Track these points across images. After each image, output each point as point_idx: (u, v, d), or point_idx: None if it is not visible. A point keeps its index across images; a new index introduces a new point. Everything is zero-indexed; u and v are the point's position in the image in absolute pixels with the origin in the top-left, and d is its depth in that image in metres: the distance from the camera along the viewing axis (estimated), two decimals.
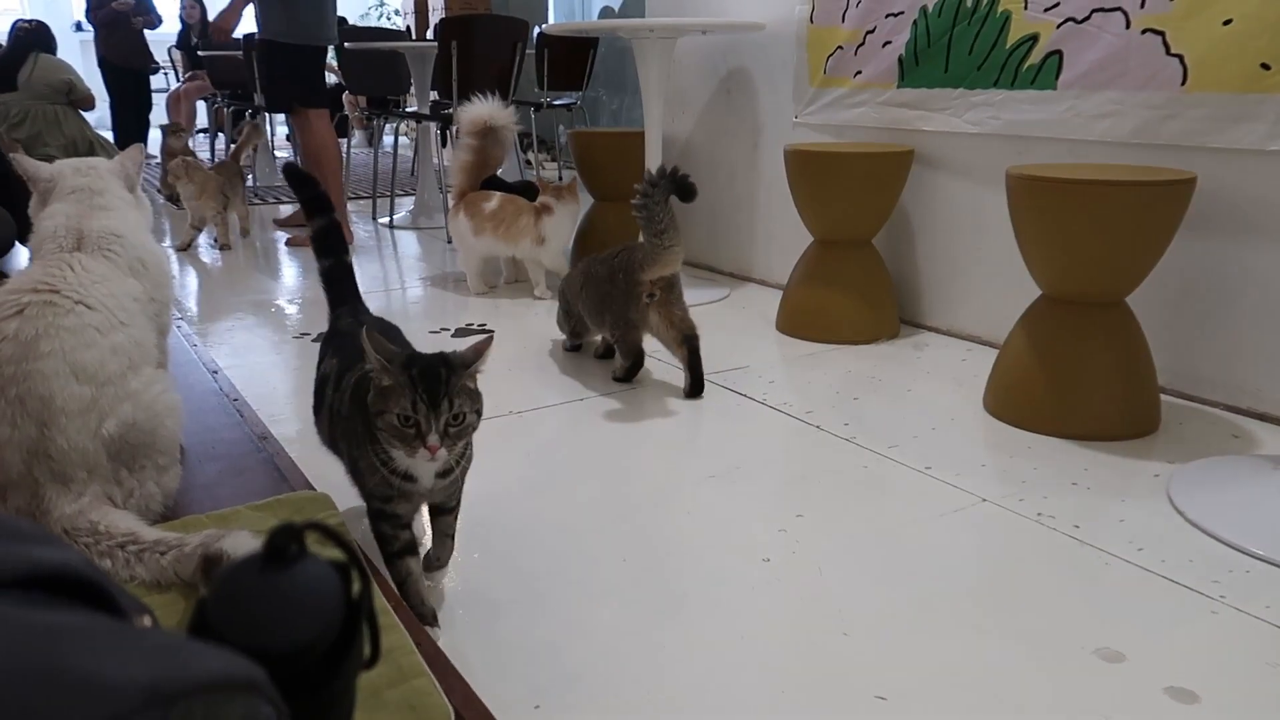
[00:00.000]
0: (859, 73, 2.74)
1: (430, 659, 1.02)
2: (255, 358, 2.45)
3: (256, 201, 5.33)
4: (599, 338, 2.42)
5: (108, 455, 1.29)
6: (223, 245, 4.04)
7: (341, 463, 1.33)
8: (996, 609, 1.31)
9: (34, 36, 5.97)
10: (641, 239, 2.12)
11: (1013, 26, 2.29)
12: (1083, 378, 1.90)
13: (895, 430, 1.93)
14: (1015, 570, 1.41)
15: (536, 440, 1.89)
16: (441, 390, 1.10)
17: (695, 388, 2.16)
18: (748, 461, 1.82)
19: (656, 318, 2.15)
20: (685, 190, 2.12)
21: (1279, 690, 1.12)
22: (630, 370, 2.23)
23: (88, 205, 1.50)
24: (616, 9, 6.72)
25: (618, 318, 2.17)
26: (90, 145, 5.84)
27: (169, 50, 8.33)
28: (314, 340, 2.60)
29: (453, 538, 1.36)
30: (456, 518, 1.35)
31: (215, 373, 2.18)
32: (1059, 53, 2.21)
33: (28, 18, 6.50)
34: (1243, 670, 1.17)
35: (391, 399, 1.10)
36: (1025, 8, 2.26)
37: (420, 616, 1.19)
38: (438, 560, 1.36)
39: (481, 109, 3.02)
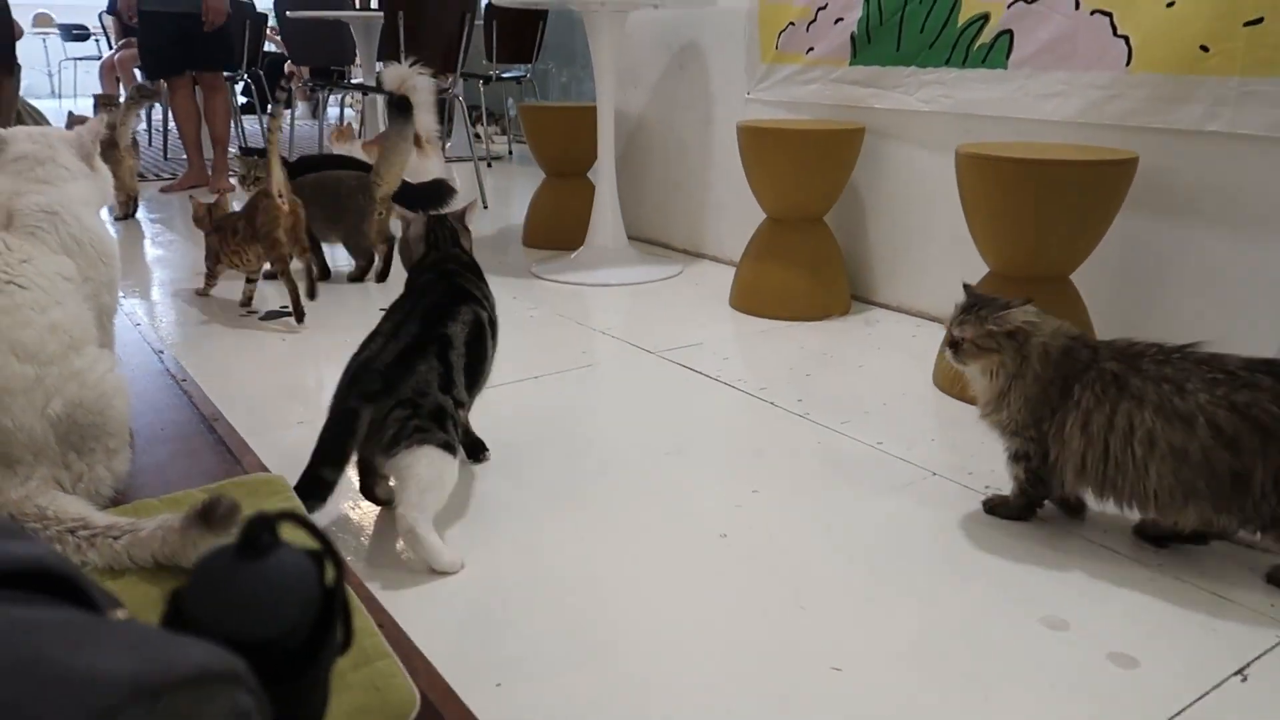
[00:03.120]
0: (811, 49, 2.75)
1: (393, 640, 1.02)
2: (201, 337, 2.40)
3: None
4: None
5: (56, 437, 1.26)
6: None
7: None
8: (947, 580, 1.34)
9: None
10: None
11: (964, 6, 2.32)
12: None
13: (847, 406, 1.96)
14: (964, 542, 1.45)
15: (489, 418, 1.88)
16: None
17: (385, 275, 2.93)
18: (703, 437, 1.84)
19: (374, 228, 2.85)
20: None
21: (1214, 652, 1.17)
22: (366, 269, 2.93)
23: (26, 178, 1.45)
24: None
25: (351, 230, 2.86)
26: (18, 114, 5.62)
27: (100, 16, 8.03)
28: (261, 319, 2.55)
29: None
30: None
31: (160, 353, 2.13)
32: (1009, 32, 2.24)
33: None
34: (1180, 634, 1.22)
35: None
36: None
37: None
38: None
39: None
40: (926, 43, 2.43)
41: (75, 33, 9.49)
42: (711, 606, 1.27)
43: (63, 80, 10.21)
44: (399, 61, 3.47)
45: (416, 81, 3.35)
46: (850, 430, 1.84)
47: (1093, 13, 2.07)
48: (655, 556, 1.39)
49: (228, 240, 2.51)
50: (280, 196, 2.40)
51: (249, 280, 2.62)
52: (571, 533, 1.46)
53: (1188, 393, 1.28)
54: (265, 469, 1.49)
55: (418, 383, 1.34)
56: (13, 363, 1.24)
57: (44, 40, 9.86)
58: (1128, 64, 2.03)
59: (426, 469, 1.30)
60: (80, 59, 9.71)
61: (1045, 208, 1.87)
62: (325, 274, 2.96)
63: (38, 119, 5.80)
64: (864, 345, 2.38)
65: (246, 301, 2.63)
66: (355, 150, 3.79)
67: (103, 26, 8.17)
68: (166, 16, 4.18)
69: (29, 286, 1.30)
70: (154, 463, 1.50)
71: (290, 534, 0.50)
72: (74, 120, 3.76)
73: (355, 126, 5.66)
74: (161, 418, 1.69)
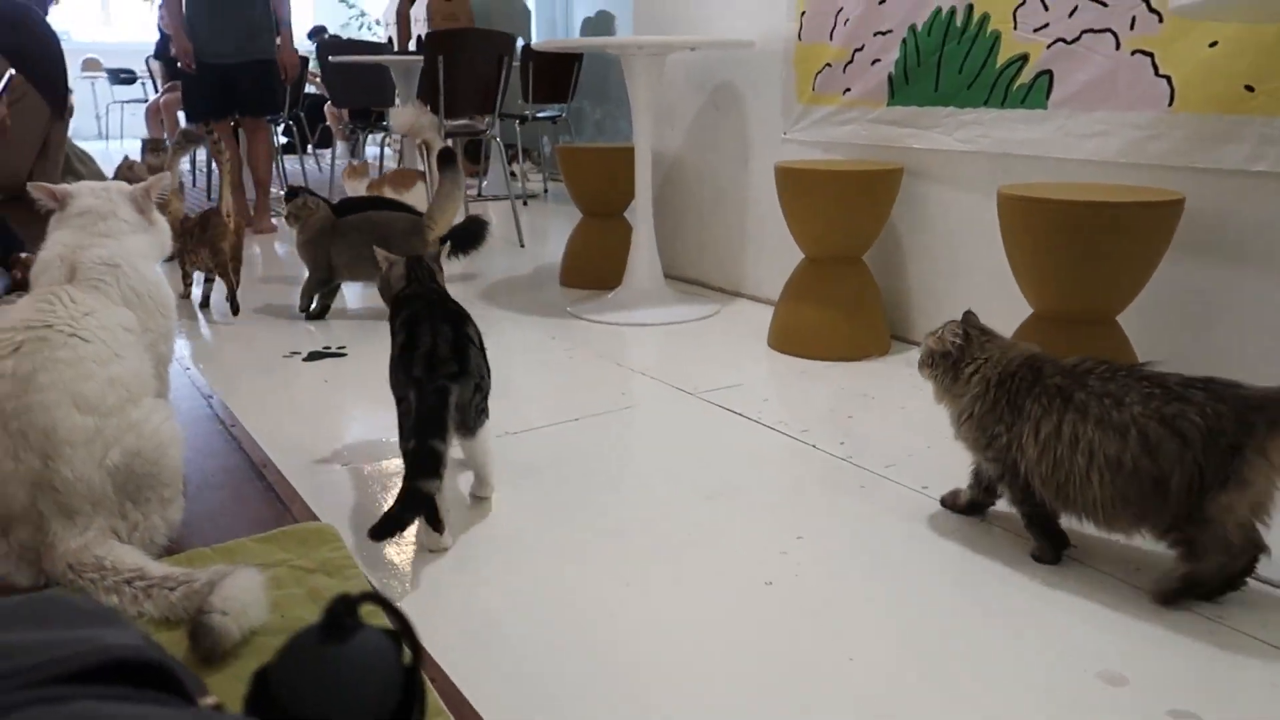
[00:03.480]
0: (848, 90, 2.77)
1: (444, 694, 1.03)
2: (244, 378, 2.43)
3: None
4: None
5: (114, 487, 1.28)
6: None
7: None
8: (1000, 632, 1.32)
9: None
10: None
11: (1002, 46, 2.32)
12: None
13: (890, 449, 1.95)
14: (1016, 591, 1.43)
15: (527, 462, 1.89)
16: None
17: None
18: (746, 482, 1.83)
19: None
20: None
21: (1278, 711, 1.14)
22: None
23: (89, 232, 1.49)
24: (594, 17, 6.74)
25: None
26: (67, 157, 5.75)
27: (146, 60, 8.26)
28: (305, 360, 2.59)
29: None
30: None
31: (210, 397, 2.16)
32: (1049, 73, 2.24)
33: None
34: (1242, 691, 1.19)
35: None
36: (1015, 28, 2.29)
37: None
38: None
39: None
40: (965, 83, 2.43)
41: (122, 76, 9.77)
42: (758, 657, 1.26)
43: (110, 122, 10.49)
44: (422, 103, 3.59)
45: (424, 121, 3.43)
46: (895, 475, 1.83)
47: (1134, 53, 2.06)
48: (699, 604, 1.39)
49: (187, 244, 3.07)
50: (228, 216, 3.02)
51: (206, 279, 3.21)
52: (613, 578, 1.45)
53: (1124, 406, 1.34)
54: (315, 517, 1.50)
55: (476, 365, 1.57)
56: (74, 415, 1.27)
57: (92, 84, 10.15)
58: (1170, 104, 2.02)
59: (491, 441, 1.65)
60: (127, 102, 9.98)
61: (1091, 249, 1.85)
62: (323, 312, 3.08)
63: (85, 162, 5.95)
64: (905, 386, 2.37)
65: (204, 301, 3.18)
66: (363, 188, 3.91)
67: (149, 70, 8.40)
68: (211, 66, 4.30)
69: (91, 339, 1.33)
70: (205, 510, 1.52)
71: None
72: (126, 165, 3.85)
73: (394, 165, 5.77)
74: (212, 464, 1.72)
